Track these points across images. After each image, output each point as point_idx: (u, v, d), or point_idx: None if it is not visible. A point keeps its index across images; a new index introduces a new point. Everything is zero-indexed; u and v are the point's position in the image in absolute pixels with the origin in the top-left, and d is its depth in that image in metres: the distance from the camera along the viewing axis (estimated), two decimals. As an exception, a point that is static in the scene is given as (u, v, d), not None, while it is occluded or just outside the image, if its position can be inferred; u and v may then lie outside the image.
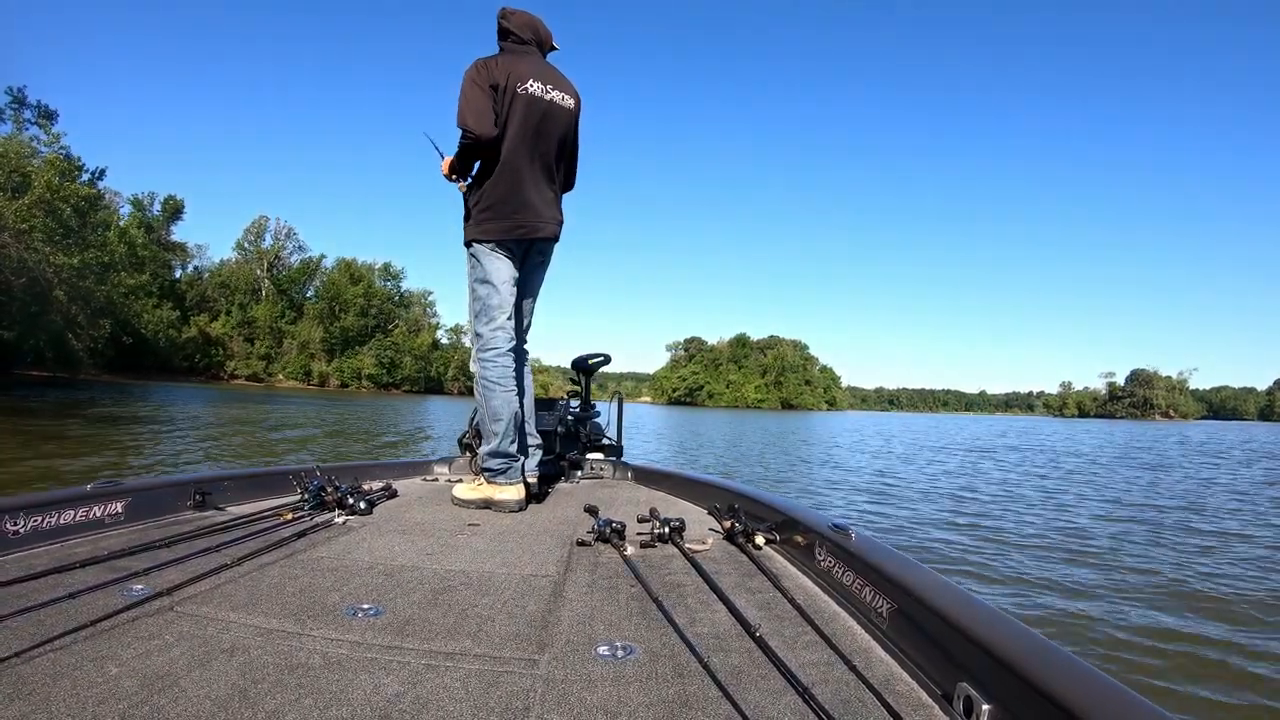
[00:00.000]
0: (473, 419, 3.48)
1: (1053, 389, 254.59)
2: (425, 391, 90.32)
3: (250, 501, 2.61)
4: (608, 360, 4.22)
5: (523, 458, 2.89)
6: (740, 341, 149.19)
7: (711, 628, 1.49)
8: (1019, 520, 7.98)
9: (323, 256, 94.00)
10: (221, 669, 1.19)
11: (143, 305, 63.40)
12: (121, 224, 62.86)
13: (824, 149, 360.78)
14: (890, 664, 1.35)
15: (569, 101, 2.84)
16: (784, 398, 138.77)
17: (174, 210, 78.78)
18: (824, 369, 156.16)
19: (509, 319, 2.85)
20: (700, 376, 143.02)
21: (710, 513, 2.47)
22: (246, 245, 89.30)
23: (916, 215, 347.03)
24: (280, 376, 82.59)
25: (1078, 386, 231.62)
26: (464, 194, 2.86)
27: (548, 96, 2.75)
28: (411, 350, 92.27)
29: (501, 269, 2.81)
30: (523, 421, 2.95)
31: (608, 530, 2.16)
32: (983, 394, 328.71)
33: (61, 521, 1.94)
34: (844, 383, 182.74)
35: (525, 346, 3.07)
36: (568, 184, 3.06)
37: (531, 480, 2.93)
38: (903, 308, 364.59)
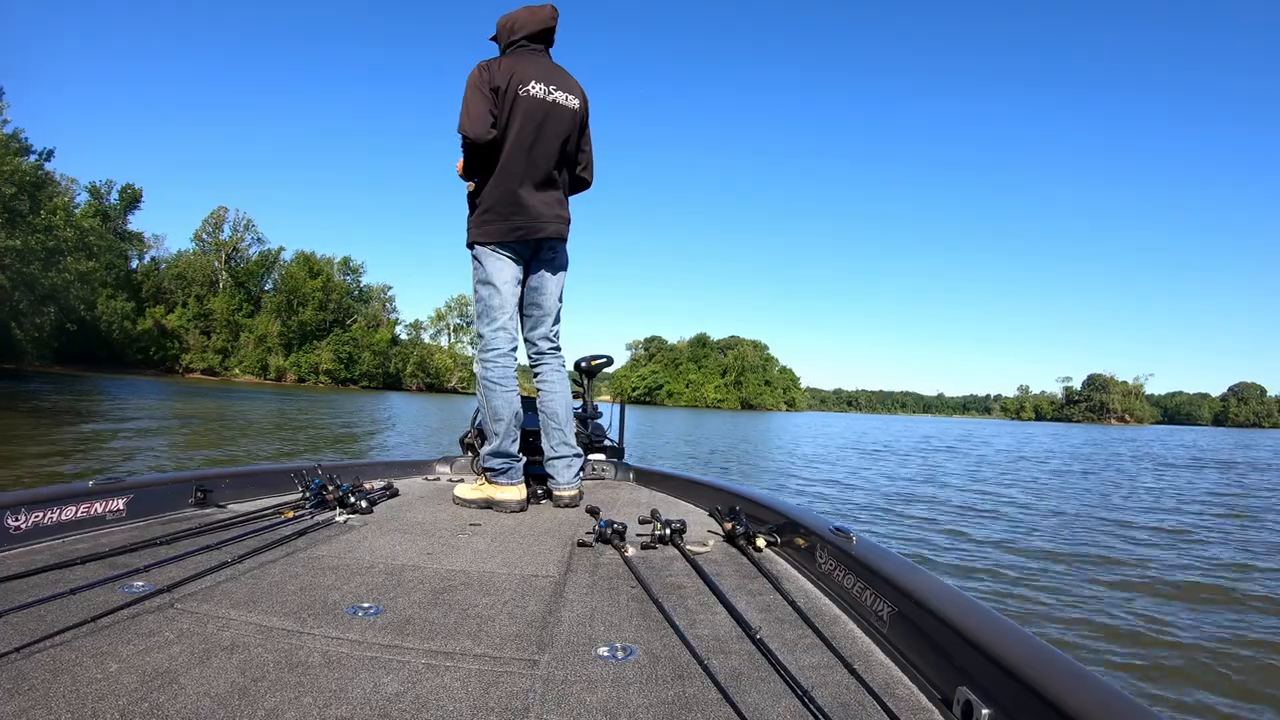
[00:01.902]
0: (475, 419, 3.54)
1: (1010, 392, 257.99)
2: (383, 387, 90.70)
3: (251, 499, 2.62)
4: (610, 362, 4.26)
5: (524, 459, 2.90)
6: (700, 341, 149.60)
7: (712, 629, 1.49)
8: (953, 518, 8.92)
9: (281, 249, 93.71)
10: (221, 666, 1.18)
11: (97, 295, 62.96)
12: (71, 208, 61.50)
13: (784, 152, 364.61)
14: (890, 667, 1.34)
15: (573, 102, 2.85)
16: (743, 398, 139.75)
17: (132, 199, 78.43)
18: (783, 370, 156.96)
19: (511, 320, 2.87)
20: (660, 376, 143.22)
21: (711, 514, 2.49)
22: (205, 236, 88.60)
23: (877, 219, 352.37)
24: (236, 370, 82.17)
25: (1035, 390, 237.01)
26: (469, 194, 2.91)
27: (550, 98, 2.77)
28: (370, 346, 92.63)
29: (503, 270, 2.82)
30: (557, 428, 2.98)
31: (609, 531, 2.16)
32: (940, 397, 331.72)
33: (63, 518, 1.95)
34: (803, 384, 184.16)
35: (557, 349, 3.08)
36: (580, 183, 3.08)
37: (572, 492, 2.90)
38: (862, 310, 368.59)
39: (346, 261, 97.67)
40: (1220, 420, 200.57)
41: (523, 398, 2.98)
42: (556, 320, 3.06)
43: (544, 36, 2.88)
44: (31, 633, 1.24)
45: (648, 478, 3.63)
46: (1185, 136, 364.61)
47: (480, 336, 2.87)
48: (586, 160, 3.04)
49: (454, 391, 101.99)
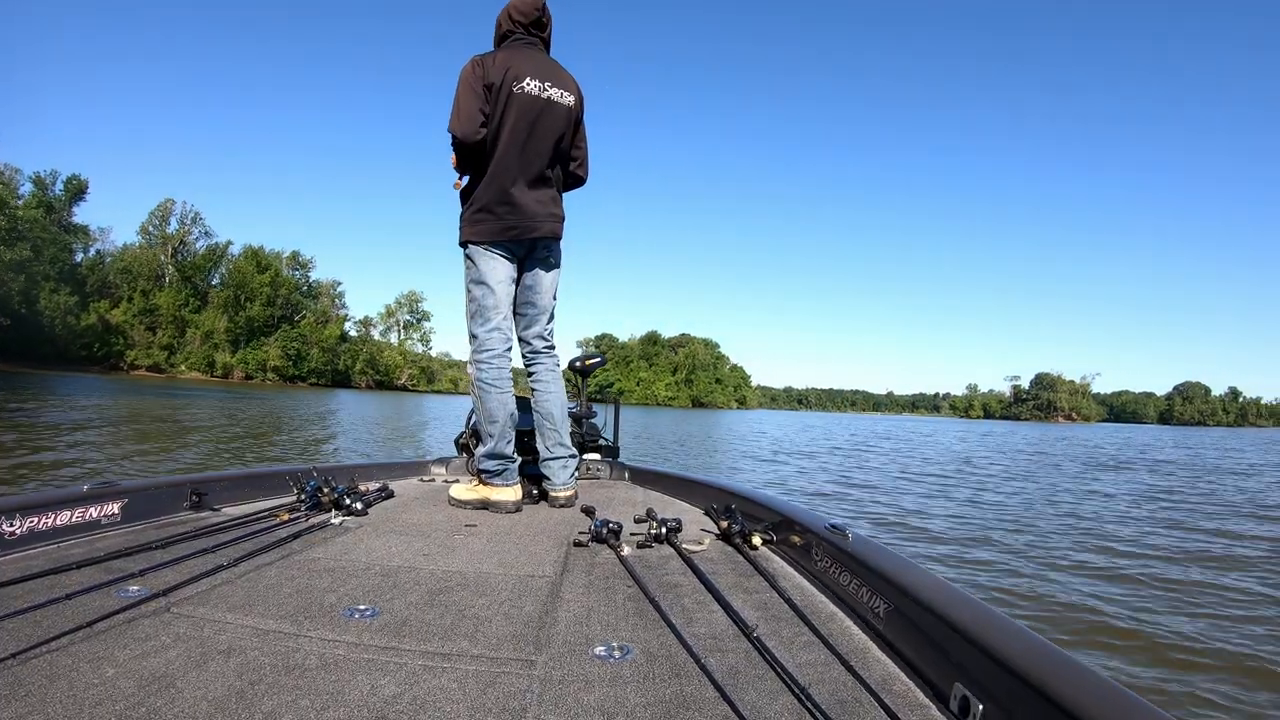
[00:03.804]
0: (469, 419, 3.50)
1: (959, 390, 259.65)
2: (332, 385, 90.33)
3: (246, 502, 2.61)
4: (604, 362, 4.27)
5: (519, 460, 2.87)
6: (651, 339, 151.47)
7: (708, 628, 1.49)
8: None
9: (229, 243, 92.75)
10: (218, 670, 1.18)
11: (40, 289, 62.46)
12: (9, 196, 59.79)
13: (735, 151, 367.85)
14: (887, 664, 1.35)
15: (568, 99, 2.80)
16: (694, 396, 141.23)
17: (77, 190, 76.97)
18: (734, 368, 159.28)
19: (506, 320, 2.83)
20: (611, 374, 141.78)
21: (707, 513, 2.47)
22: (151, 229, 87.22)
23: (826, 218, 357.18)
24: (183, 367, 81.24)
25: (984, 389, 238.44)
26: (459, 190, 2.86)
27: (545, 95, 2.73)
28: (319, 342, 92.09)
29: (498, 269, 2.78)
30: (553, 429, 2.95)
31: (604, 531, 2.15)
32: (890, 395, 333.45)
33: (58, 523, 1.94)
34: (754, 382, 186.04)
35: (552, 348, 3.05)
36: (575, 180, 3.03)
37: (569, 493, 2.90)
38: (813, 309, 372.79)
39: (295, 256, 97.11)
40: (1165, 419, 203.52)
41: (519, 398, 2.96)
42: (551, 319, 3.04)
43: (537, 28, 2.85)
44: (28, 638, 1.24)
45: (643, 477, 3.64)
46: (1134, 137, 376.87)
47: (474, 337, 2.83)
48: (581, 157, 3.00)
49: (403, 389, 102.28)
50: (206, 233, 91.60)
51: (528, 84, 2.70)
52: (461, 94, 2.67)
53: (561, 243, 2.99)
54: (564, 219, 2.95)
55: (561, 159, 2.91)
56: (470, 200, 2.81)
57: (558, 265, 3.00)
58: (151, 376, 72.09)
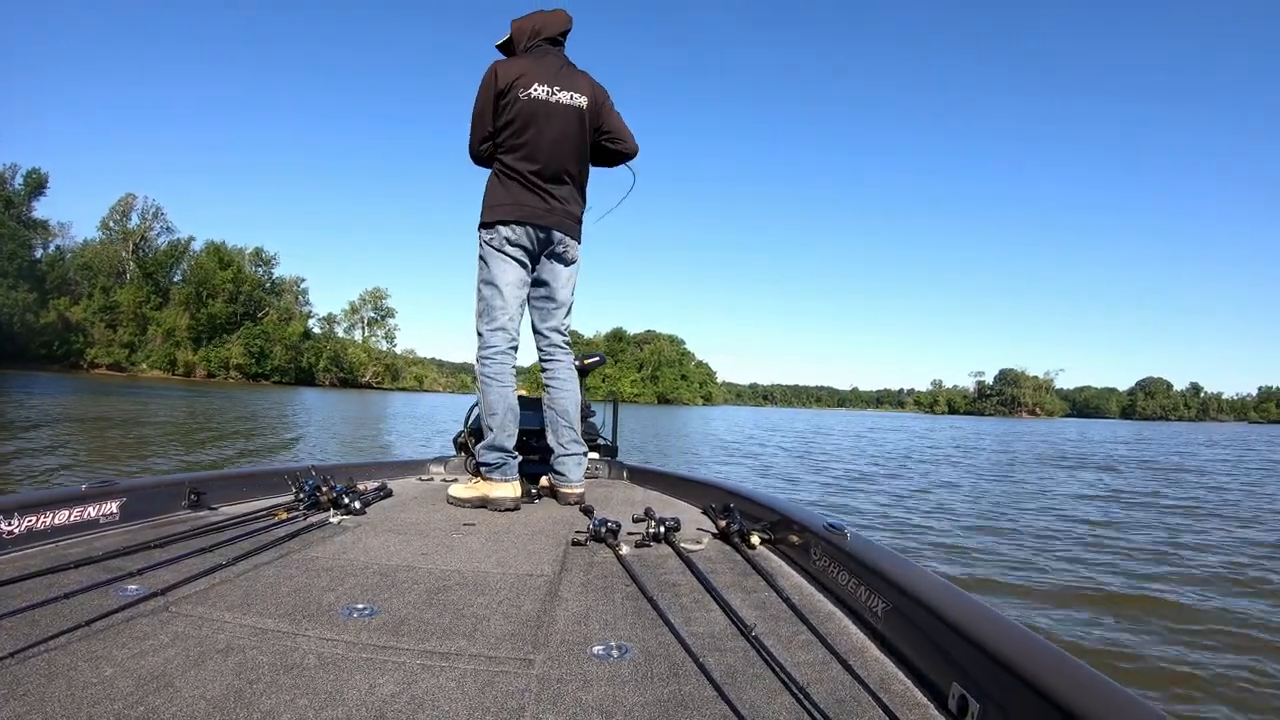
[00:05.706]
0: (468, 418, 3.58)
1: (924, 386, 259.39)
2: (296, 383, 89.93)
3: (245, 501, 2.61)
4: (603, 361, 4.28)
5: (519, 457, 2.91)
6: (616, 335, 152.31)
7: (707, 627, 1.49)
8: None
9: (191, 239, 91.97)
10: (216, 669, 1.18)
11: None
12: None
13: (704, 148, 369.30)
14: (885, 663, 1.34)
15: (580, 100, 2.88)
16: (660, 392, 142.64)
17: (36, 185, 76.33)
18: (700, 364, 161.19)
19: (511, 321, 2.92)
20: None
21: (705, 512, 2.49)
22: (112, 225, 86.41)
23: (790, 213, 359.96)
24: (144, 366, 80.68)
25: (948, 385, 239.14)
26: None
27: (554, 98, 2.81)
28: (282, 339, 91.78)
29: (507, 272, 2.88)
30: (568, 425, 3.01)
31: (603, 530, 2.14)
32: (855, 390, 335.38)
33: (56, 522, 1.93)
34: (720, 378, 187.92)
35: (568, 343, 3.11)
36: (620, 156, 3.09)
37: (581, 490, 2.95)
38: (778, 307, 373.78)
39: (259, 252, 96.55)
40: (1128, 413, 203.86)
41: (523, 397, 3.01)
42: (568, 314, 3.11)
43: (561, 38, 2.98)
44: (26, 637, 1.23)
45: (641, 476, 3.65)
46: (1102, 135, 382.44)
47: (479, 335, 2.93)
48: (615, 136, 3.05)
49: (368, 387, 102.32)
50: (168, 228, 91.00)
51: (535, 90, 2.81)
52: (475, 110, 2.88)
53: (580, 243, 3.09)
54: (579, 217, 3.05)
55: (579, 157, 2.99)
56: (485, 198, 2.94)
57: (575, 261, 3.09)
58: (112, 375, 71.38)
